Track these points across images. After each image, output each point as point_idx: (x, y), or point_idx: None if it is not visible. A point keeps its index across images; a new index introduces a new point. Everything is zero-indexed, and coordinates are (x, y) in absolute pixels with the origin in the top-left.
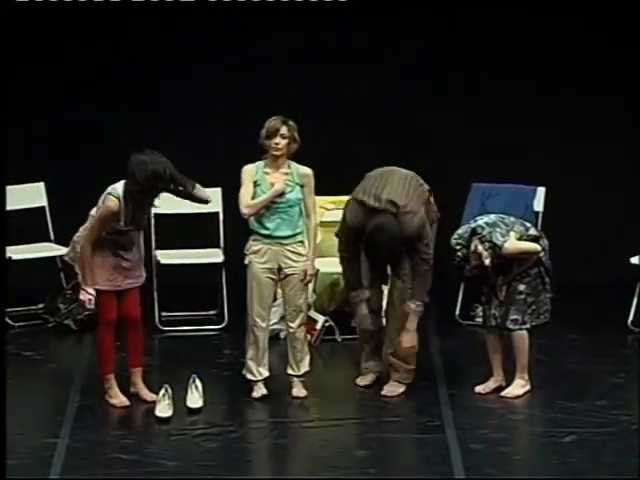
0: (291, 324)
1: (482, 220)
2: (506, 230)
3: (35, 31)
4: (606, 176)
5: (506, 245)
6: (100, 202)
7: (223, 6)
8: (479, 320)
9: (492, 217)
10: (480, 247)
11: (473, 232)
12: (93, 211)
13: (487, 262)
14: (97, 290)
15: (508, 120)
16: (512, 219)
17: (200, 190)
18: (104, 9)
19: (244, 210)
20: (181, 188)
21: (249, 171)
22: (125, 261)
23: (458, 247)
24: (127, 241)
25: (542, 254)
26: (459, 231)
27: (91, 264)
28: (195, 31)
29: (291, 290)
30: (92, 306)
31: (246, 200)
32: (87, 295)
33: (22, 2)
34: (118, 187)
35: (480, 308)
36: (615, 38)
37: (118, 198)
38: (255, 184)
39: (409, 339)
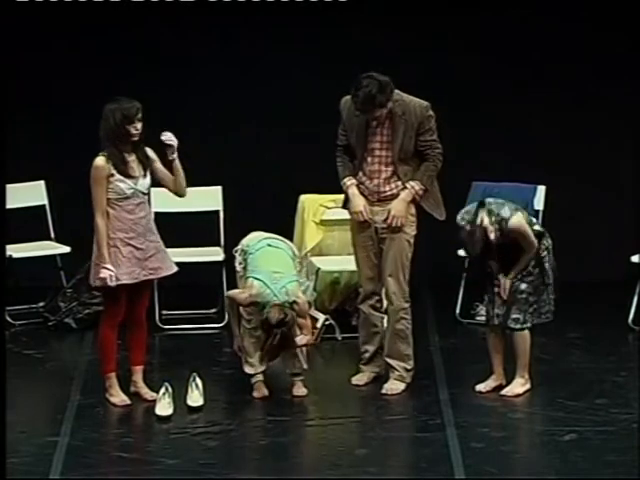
0: None
1: (489, 198)
2: (514, 208)
3: (35, 31)
4: (606, 175)
5: (513, 219)
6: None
7: (224, 6)
8: (479, 319)
9: (499, 199)
10: (486, 220)
11: (481, 204)
12: None
13: (492, 237)
14: (110, 287)
15: (508, 119)
16: (519, 207)
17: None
18: (104, 9)
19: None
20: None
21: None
22: (139, 251)
23: (463, 222)
24: (137, 226)
25: (544, 253)
26: (465, 208)
27: (107, 241)
28: (196, 31)
29: None
30: (113, 283)
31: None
32: (108, 271)
33: (22, 2)
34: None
35: (481, 306)
36: (616, 38)
37: (102, 155)
38: None
39: (400, 208)
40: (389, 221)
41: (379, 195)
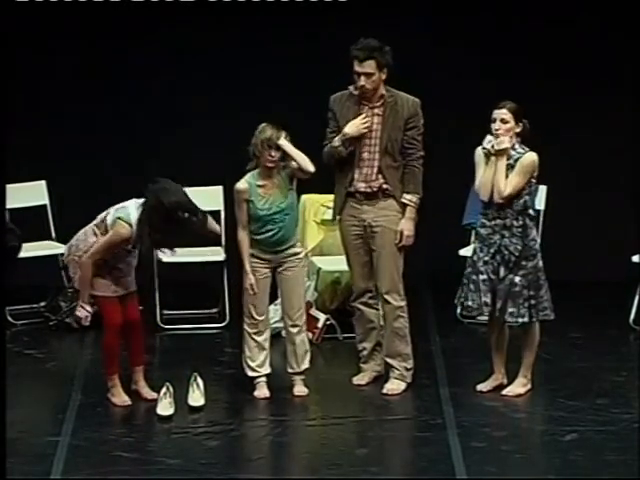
0: (290, 322)
1: None
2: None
3: (36, 31)
4: (607, 175)
5: (528, 154)
6: (108, 220)
7: (223, 6)
8: (481, 319)
9: None
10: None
11: None
12: (95, 224)
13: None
14: (100, 296)
15: None
16: None
17: (212, 223)
18: (104, 9)
19: (240, 233)
20: (195, 219)
21: (242, 192)
22: (119, 271)
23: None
24: (130, 256)
25: (537, 246)
26: None
27: (90, 282)
28: (195, 31)
29: (288, 289)
30: (88, 323)
31: (242, 223)
32: (84, 312)
33: (22, 2)
34: (130, 210)
35: (468, 302)
36: (616, 37)
37: (130, 224)
38: (248, 202)
39: (410, 227)
40: (403, 242)
41: (367, 185)
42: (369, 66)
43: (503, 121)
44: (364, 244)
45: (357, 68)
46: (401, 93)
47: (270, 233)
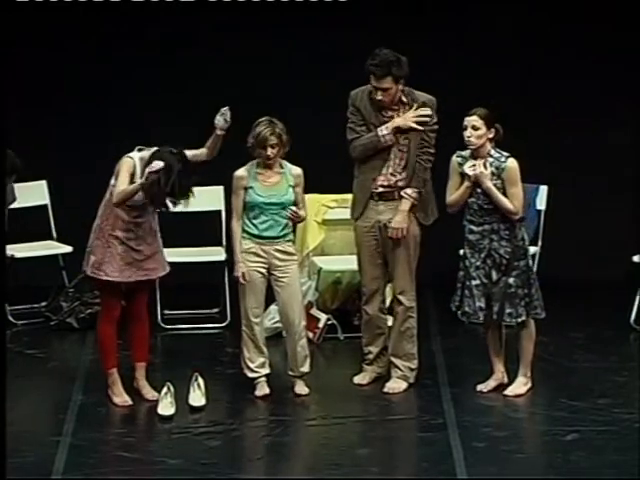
0: (291, 330)
1: None
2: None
3: (36, 31)
4: (607, 175)
5: (510, 162)
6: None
7: (223, 6)
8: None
9: None
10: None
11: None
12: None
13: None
14: (103, 282)
15: (510, 120)
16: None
17: (195, 155)
18: (105, 9)
19: (233, 224)
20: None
21: (241, 178)
22: (136, 252)
23: (460, 159)
24: (139, 229)
25: (527, 245)
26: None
27: (102, 236)
28: (196, 31)
29: (287, 297)
30: (159, 166)
31: (237, 213)
32: (159, 162)
33: (22, 2)
34: (134, 153)
35: (467, 305)
36: (616, 36)
37: (131, 157)
38: (246, 189)
39: (400, 219)
40: (392, 234)
41: (385, 178)
42: (386, 82)
43: (474, 128)
44: (378, 246)
45: (374, 83)
46: (415, 91)
47: (265, 225)
